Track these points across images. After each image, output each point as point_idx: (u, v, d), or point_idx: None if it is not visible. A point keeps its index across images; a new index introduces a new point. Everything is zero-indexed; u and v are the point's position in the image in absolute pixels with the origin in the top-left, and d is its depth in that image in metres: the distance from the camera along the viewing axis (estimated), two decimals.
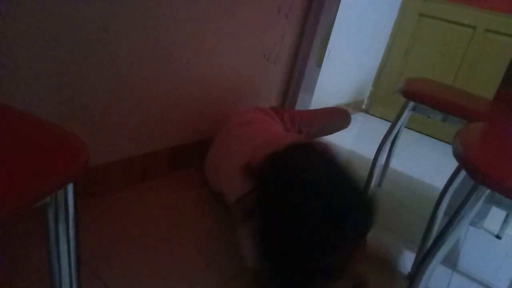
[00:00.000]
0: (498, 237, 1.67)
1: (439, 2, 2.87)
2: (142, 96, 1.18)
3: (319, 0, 1.76)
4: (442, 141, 2.96)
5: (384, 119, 3.21)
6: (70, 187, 0.51)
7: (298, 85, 1.89)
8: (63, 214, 0.52)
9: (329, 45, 1.98)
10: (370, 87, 3.28)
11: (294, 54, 1.86)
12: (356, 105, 3.15)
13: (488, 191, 0.70)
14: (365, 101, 3.32)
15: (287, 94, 1.94)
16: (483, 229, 1.70)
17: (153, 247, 1.03)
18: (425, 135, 3.04)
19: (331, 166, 0.86)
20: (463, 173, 1.11)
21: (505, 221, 1.66)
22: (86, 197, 1.13)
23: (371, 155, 1.41)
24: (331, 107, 1.72)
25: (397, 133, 1.54)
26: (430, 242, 1.17)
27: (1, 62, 0.82)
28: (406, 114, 1.33)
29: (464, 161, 0.70)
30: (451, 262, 1.37)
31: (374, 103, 3.29)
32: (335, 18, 1.91)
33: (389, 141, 1.39)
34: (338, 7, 1.90)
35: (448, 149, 2.73)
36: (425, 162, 2.49)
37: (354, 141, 2.51)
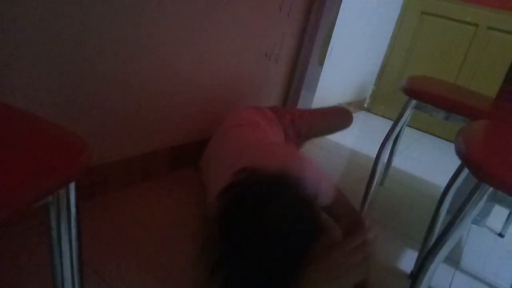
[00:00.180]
0: (500, 235, 1.67)
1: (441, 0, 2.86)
2: (143, 96, 1.18)
3: None
4: (444, 140, 2.95)
5: (386, 118, 3.21)
6: (72, 186, 0.51)
7: (299, 84, 1.89)
8: (65, 213, 0.52)
9: (331, 43, 1.98)
10: (372, 86, 3.28)
11: (295, 52, 1.86)
12: (358, 104, 3.15)
13: (491, 189, 0.70)
14: (367, 99, 3.31)
15: (289, 93, 1.94)
16: (486, 228, 1.70)
17: (154, 247, 1.03)
18: (427, 134, 3.04)
19: (293, 211, 0.75)
20: (465, 172, 1.11)
21: (508, 219, 1.66)
22: (87, 197, 1.13)
23: (373, 154, 1.40)
24: (332, 106, 1.72)
25: (399, 131, 1.54)
26: (432, 240, 1.16)
27: (2, 62, 0.82)
28: (409, 112, 1.33)
29: (466, 159, 0.70)
30: (454, 260, 1.37)
31: (376, 101, 3.28)
32: (336, 16, 1.90)
33: (391, 140, 1.38)
34: (340, 5, 1.89)
35: (451, 147, 2.73)
36: (427, 161, 2.49)
37: (356, 140, 2.50)
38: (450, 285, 1.22)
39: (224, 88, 1.52)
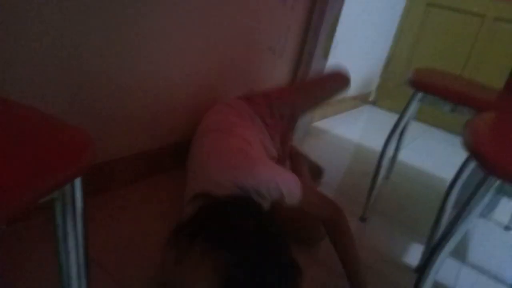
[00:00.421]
0: (508, 228, 1.65)
1: None
2: (149, 92, 1.18)
3: None
4: (450, 133, 2.93)
5: (392, 111, 3.18)
6: (77, 182, 0.51)
7: (304, 78, 1.88)
8: (71, 209, 0.52)
9: (336, 37, 1.96)
10: (378, 79, 3.25)
11: (300, 46, 1.84)
12: (364, 97, 3.13)
13: (498, 182, 0.69)
14: (373, 93, 3.29)
15: None
16: (492, 221, 1.69)
17: (162, 242, 1.03)
18: (433, 127, 3.01)
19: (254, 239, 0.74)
20: (472, 165, 1.10)
21: None
22: (93, 193, 1.13)
23: (379, 148, 1.40)
24: (324, 73, 1.59)
25: (405, 125, 1.53)
26: (438, 234, 1.16)
27: (8, 58, 0.82)
28: (415, 105, 1.31)
29: (474, 151, 0.69)
30: (460, 254, 1.36)
31: (381, 94, 3.26)
32: (341, 9, 1.88)
33: (397, 133, 1.37)
34: None
35: (457, 140, 2.70)
36: (433, 154, 2.47)
37: (362, 134, 2.49)
38: (457, 279, 1.22)
39: (229, 82, 1.51)
